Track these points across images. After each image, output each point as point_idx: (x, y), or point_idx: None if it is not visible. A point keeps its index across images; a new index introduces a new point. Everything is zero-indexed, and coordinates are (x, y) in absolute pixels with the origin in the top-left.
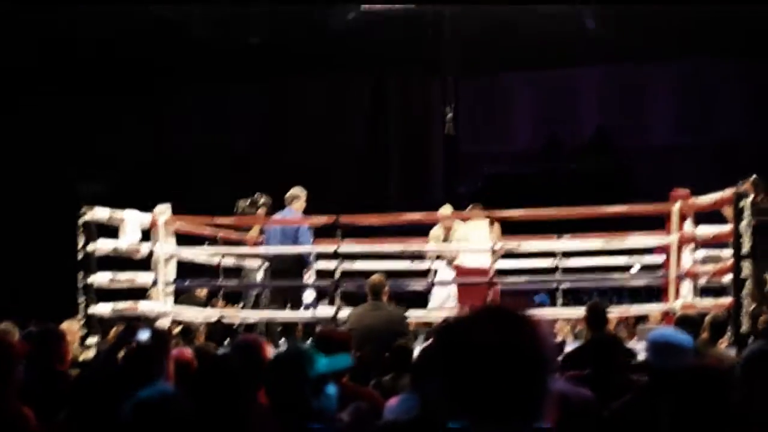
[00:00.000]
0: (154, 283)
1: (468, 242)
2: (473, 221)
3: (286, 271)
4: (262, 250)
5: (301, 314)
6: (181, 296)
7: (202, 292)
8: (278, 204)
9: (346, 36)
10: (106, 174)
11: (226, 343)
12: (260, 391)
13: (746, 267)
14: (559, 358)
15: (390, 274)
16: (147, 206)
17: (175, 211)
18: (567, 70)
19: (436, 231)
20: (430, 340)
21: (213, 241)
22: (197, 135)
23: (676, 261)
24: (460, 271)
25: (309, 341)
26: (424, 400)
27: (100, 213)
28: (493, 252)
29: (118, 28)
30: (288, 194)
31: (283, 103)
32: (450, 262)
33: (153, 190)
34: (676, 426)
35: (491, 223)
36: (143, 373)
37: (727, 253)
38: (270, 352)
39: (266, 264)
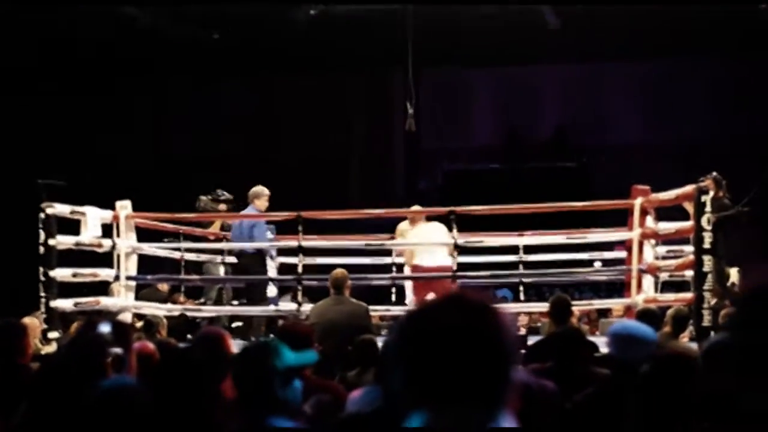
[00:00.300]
0: (116, 278)
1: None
2: (432, 223)
3: (246, 267)
4: (221, 245)
5: (264, 309)
6: (143, 291)
7: (163, 287)
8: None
9: (308, 32)
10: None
11: (189, 337)
12: (224, 383)
13: (707, 262)
14: (522, 351)
15: (352, 269)
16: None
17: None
18: (529, 68)
19: (404, 225)
20: (395, 330)
21: (175, 236)
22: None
23: (638, 256)
24: (419, 271)
25: (271, 335)
26: (387, 392)
27: (61, 208)
28: (454, 249)
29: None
30: (250, 192)
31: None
32: (407, 263)
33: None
34: (640, 417)
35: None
36: (103, 366)
37: (689, 248)
38: (232, 345)
39: (227, 259)
